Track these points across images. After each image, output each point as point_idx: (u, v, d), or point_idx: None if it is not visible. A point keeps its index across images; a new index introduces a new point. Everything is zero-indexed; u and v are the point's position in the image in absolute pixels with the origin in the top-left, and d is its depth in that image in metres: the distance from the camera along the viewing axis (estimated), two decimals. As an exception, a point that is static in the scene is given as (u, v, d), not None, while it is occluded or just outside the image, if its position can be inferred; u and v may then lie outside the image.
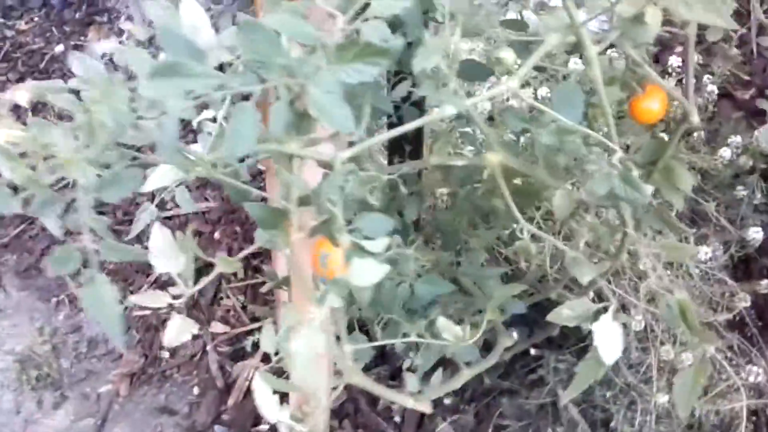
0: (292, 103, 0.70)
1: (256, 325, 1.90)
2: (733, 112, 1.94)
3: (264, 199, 1.02)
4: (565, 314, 0.95)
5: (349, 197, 0.84)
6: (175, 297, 0.97)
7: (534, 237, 0.98)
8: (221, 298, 1.97)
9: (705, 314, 1.53)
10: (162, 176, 0.92)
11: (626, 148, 1.27)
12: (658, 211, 1.06)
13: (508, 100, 1.36)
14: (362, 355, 1.23)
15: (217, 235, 2.10)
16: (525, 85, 1.47)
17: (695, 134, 1.79)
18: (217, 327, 1.93)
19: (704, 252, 1.38)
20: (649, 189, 1.08)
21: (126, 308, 1.82)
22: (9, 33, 2.81)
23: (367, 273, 0.72)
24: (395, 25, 0.85)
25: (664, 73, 1.89)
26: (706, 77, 1.85)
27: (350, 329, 1.19)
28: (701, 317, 1.51)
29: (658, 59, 1.98)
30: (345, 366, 1.05)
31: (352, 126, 0.63)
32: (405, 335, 1.09)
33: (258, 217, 0.77)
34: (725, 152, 1.65)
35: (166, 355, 1.90)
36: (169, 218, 2.14)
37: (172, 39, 0.64)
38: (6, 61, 2.72)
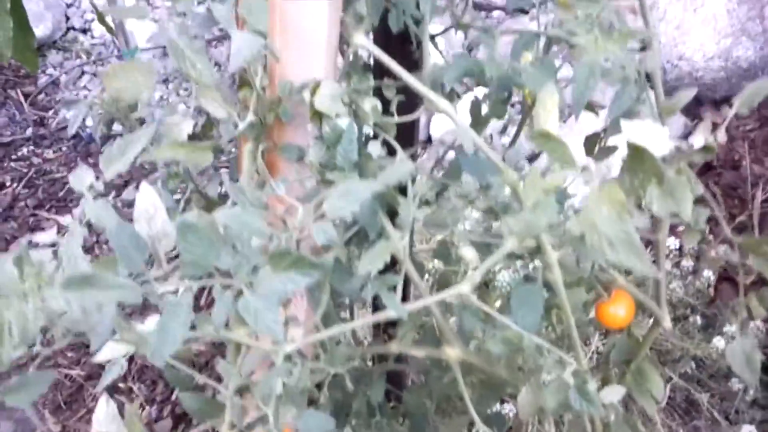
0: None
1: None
2: (733, 296, 1.91)
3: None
4: None
5: (294, 389, 0.83)
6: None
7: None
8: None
9: None
10: (112, 350, 0.91)
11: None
12: (626, 417, 1.02)
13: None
14: None
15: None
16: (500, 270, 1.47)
17: (691, 319, 1.76)
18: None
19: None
20: (620, 392, 1.05)
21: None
22: (36, 160, 2.92)
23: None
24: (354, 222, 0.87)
25: (662, 254, 1.88)
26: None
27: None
28: None
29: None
30: None
31: (281, 333, 0.62)
32: None
33: (190, 408, 0.75)
34: (719, 342, 1.61)
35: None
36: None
37: (120, 233, 0.66)
38: (28, 187, 2.81)
